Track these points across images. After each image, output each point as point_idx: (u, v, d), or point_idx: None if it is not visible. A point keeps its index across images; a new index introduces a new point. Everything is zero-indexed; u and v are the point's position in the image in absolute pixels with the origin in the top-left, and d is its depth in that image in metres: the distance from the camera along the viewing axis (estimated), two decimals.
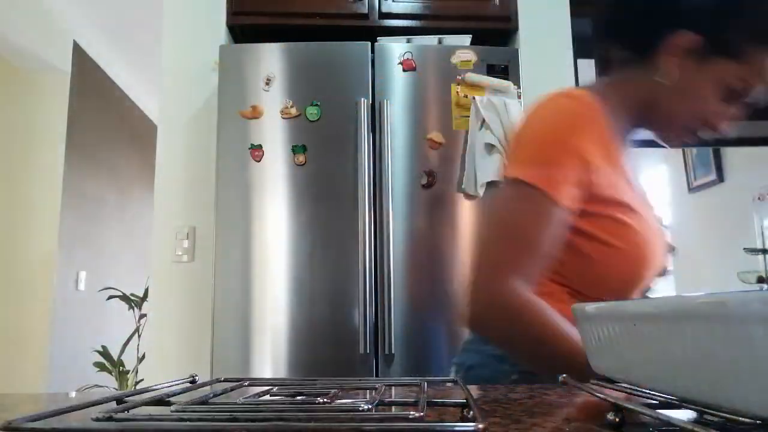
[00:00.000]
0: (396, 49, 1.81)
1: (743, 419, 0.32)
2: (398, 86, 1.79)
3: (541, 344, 0.68)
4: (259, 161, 1.73)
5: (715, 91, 0.75)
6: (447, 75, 1.80)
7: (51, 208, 3.19)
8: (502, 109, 1.72)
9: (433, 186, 1.74)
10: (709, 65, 0.74)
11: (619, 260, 0.74)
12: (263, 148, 1.74)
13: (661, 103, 0.79)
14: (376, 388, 0.48)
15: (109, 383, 3.24)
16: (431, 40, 1.94)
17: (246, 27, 2.08)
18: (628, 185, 0.77)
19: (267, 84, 1.77)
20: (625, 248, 0.74)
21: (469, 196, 1.73)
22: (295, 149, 1.74)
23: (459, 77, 1.79)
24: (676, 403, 0.40)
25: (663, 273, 0.83)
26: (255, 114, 1.76)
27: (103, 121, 3.85)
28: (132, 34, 3.60)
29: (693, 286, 3.90)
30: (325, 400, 0.41)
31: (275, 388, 0.48)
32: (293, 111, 1.76)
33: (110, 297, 3.28)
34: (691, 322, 0.33)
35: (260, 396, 0.46)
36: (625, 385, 0.47)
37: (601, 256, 0.74)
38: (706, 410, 0.36)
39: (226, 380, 0.58)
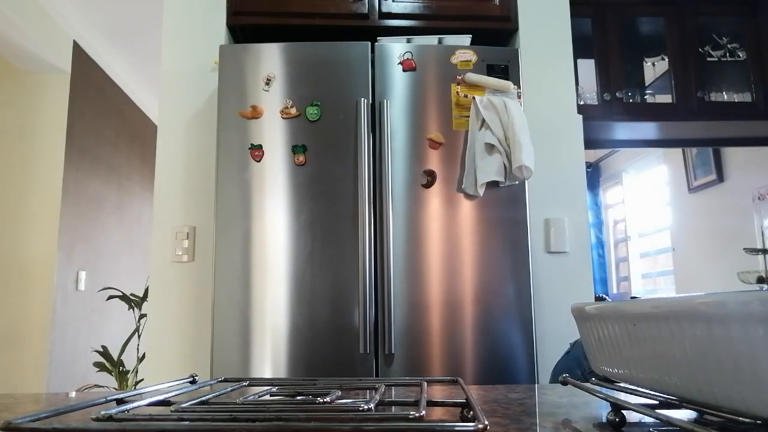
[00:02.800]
0: (396, 49, 1.81)
1: (743, 419, 0.32)
2: (398, 86, 1.79)
3: None
4: (259, 161, 1.73)
5: None
6: (447, 75, 1.80)
7: (51, 208, 3.20)
8: (502, 109, 1.72)
9: (433, 186, 1.74)
10: None
11: None
12: (263, 148, 1.74)
13: None
14: (376, 388, 0.48)
15: (109, 383, 3.25)
16: (431, 40, 1.94)
17: (246, 27, 2.08)
18: None
19: (267, 84, 1.77)
20: None
21: (469, 196, 1.73)
22: (295, 149, 1.74)
23: (459, 77, 1.79)
24: (676, 403, 0.40)
25: None
26: (255, 114, 1.76)
27: (103, 121, 3.85)
28: (132, 34, 3.60)
29: (693, 286, 3.90)
30: (325, 400, 0.41)
31: (275, 388, 0.48)
32: (293, 111, 1.76)
33: (110, 297, 3.28)
34: (691, 322, 0.33)
35: (260, 396, 0.46)
36: (625, 385, 0.47)
37: None
38: (706, 410, 0.36)
39: (226, 380, 0.58)
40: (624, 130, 2.50)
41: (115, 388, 3.13)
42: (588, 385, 0.50)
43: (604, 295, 4.93)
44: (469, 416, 0.39)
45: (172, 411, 0.38)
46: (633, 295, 4.94)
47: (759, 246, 2.98)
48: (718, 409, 0.34)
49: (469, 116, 1.76)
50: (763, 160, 3.23)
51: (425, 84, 1.79)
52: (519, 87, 1.79)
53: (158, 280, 1.92)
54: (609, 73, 2.34)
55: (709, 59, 2.46)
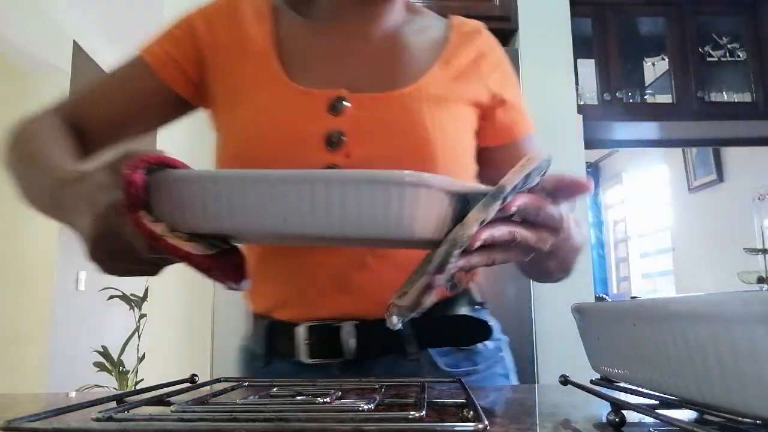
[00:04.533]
0: None
1: (743, 419, 0.32)
2: None
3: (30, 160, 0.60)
4: None
5: None
6: None
7: None
8: None
9: None
10: None
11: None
12: None
13: None
14: (376, 388, 0.48)
15: (109, 383, 3.25)
16: None
17: None
18: (257, 68, 0.71)
19: None
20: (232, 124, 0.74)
21: None
22: None
23: None
24: (676, 403, 0.40)
25: None
26: None
27: None
28: (132, 34, 3.59)
29: (693, 286, 3.90)
30: (325, 400, 0.41)
31: (275, 388, 0.48)
32: None
33: (110, 297, 3.28)
34: (692, 322, 0.33)
35: (260, 396, 0.46)
36: (625, 385, 0.47)
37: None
38: (706, 410, 0.36)
39: (226, 380, 0.58)
40: (624, 130, 2.51)
41: (115, 388, 3.13)
42: (588, 385, 0.50)
43: (604, 295, 4.93)
44: (469, 416, 0.39)
45: (172, 411, 0.38)
46: (633, 295, 4.95)
47: (759, 246, 2.98)
48: (718, 409, 0.34)
49: None
50: (763, 160, 3.22)
51: None
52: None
53: (158, 279, 1.92)
54: (609, 73, 2.34)
55: (709, 59, 2.46)
